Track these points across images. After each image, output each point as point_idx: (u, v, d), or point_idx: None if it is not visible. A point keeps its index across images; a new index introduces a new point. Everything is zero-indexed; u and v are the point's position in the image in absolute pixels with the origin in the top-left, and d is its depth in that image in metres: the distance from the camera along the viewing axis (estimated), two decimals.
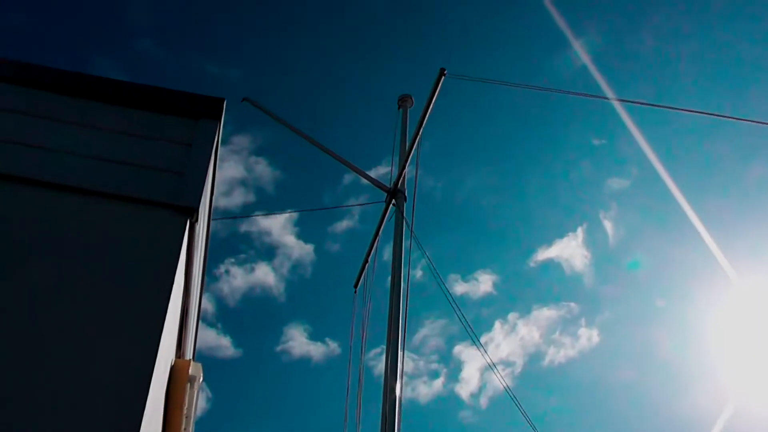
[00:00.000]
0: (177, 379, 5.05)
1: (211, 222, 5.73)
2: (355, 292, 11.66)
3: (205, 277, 6.37)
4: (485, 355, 9.16)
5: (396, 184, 11.04)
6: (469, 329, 8.93)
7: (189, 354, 6.17)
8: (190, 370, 5.13)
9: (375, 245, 11.35)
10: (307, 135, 12.11)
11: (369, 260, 11.48)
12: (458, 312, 8.91)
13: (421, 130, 10.69)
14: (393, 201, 10.88)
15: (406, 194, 10.92)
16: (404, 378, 9.74)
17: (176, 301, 4.66)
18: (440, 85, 10.28)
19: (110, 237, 4.31)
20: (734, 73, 21.73)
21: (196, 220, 4.59)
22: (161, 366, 4.23)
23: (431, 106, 10.48)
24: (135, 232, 4.35)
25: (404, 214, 10.52)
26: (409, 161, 10.97)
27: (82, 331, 3.90)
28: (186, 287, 5.12)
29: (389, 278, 10.08)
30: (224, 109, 5.05)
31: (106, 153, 4.72)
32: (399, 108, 12.47)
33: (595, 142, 22.79)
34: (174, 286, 4.24)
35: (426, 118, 10.59)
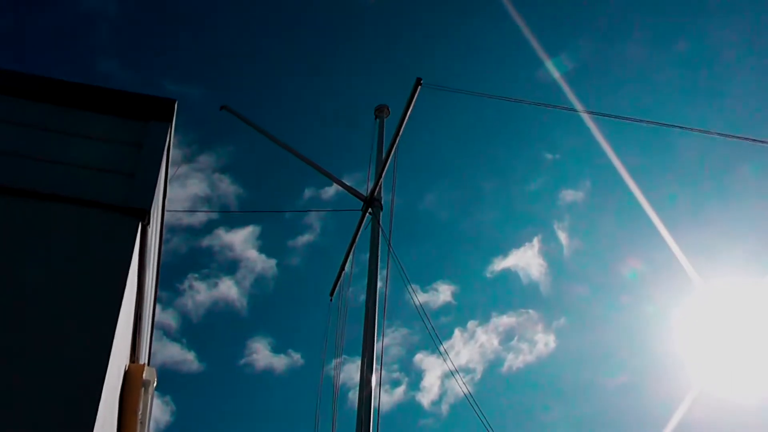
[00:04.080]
0: (131, 383, 4.99)
1: (164, 225, 5.67)
2: (331, 300, 11.71)
3: (159, 281, 6.29)
4: (448, 361, 9.34)
5: (372, 193, 11.14)
6: (436, 338, 9.15)
7: (143, 359, 6.09)
8: (144, 375, 5.07)
9: (351, 253, 11.40)
10: (285, 144, 12.16)
11: (345, 269, 11.55)
12: (427, 321, 9.11)
13: (397, 140, 10.83)
14: (369, 210, 10.94)
15: (382, 203, 10.98)
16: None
17: (129, 305, 4.60)
18: (417, 94, 10.35)
19: (60, 240, 4.24)
20: (703, 85, 22.46)
21: (148, 223, 4.54)
22: (114, 370, 4.18)
23: (407, 115, 10.57)
24: (85, 234, 4.29)
25: (380, 223, 10.59)
26: (385, 170, 11.03)
27: (33, 335, 3.83)
28: (139, 291, 5.05)
29: (362, 285, 10.24)
30: (175, 111, 5.00)
31: (55, 155, 4.64)
32: (376, 118, 12.59)
33: (549, 156, 23.38)
34: (126, 289, 4.18)
35: (403, 127, 10.69)
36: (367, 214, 10.99)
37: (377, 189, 11.15)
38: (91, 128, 4.82)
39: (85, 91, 4.99)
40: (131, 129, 4.84)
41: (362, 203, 11.18)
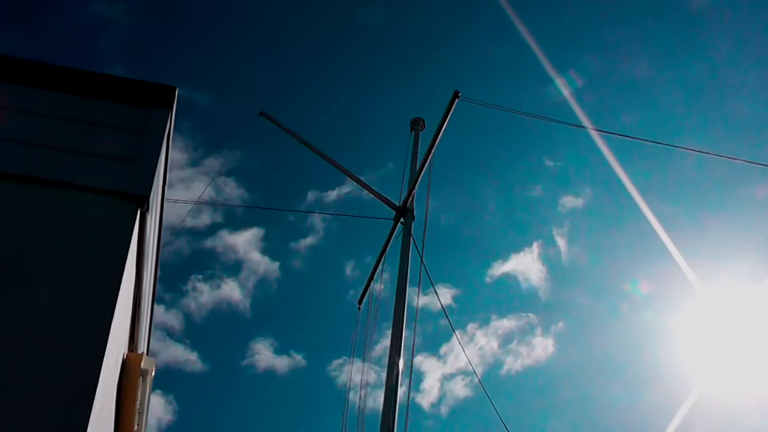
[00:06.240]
0: (129, 372, 4.96)
1: (164, 212, 5.63)
2: (359, 308, 11.79)
3: (158, 271, 6.25)
4: (464, 350, 9.56)
5: (405, 203, 11.15)
6: (453, 329, 9.42)
7: (142, 348, 6.06)
8: (142, 364, 5.03)
9: (382, 263, 11.46)
10: (321, 151, 12.19)
11: (374, 277, 11.63)
12: (447, 316, 9.35)
13: (433, 151, 10.82)
14: (402, 219, 10.98)
15: (414, 214, 10.98)
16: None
17: (127, 293, 4.57)
18: (453, 107, 10.29)
19: (59, 226, 4.21)
20: (707, 101, 22.54)
21: (148, 209, 4.50)
22: (112, 358, 4.14)
23: (443, 128, 10.54)
24: (85, 220, 4.25)
25: (412, 234, 10.62)
26: (418, 182, 11.06)
27: (31, 322, 3.80)
28: (138, 279, 5.01)
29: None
30: (176, 98, 4.96)
31: (56, 141, 4.60)
32: (411, 131, 12.59)
33: (549, 163, 23.51)
34: (124, 276, 4.15)
35: (438, 139, 10.70)
36: (399, 223, 11.01)
37: (410, 199, 11.15)
38: (92, 114, 4.78)
39: (86, 77, 4.94)
40: (132, 115, 4.79)
41: (394, 212, 11.19)
